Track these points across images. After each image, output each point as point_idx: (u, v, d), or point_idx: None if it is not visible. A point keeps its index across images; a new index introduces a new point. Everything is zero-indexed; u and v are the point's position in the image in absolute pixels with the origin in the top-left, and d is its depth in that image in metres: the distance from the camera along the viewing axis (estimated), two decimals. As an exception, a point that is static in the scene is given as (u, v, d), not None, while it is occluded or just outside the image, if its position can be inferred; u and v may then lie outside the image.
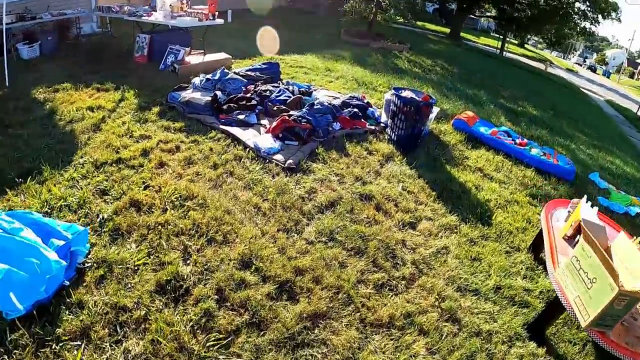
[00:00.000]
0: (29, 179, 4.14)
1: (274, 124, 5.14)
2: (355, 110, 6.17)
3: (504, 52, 28.43)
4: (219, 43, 9.51)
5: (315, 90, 6.92)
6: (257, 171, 4.60)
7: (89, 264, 3.30)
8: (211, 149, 4.89)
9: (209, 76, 5.84)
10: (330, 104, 5.98)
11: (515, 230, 4.53)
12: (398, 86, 6.54)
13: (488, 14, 28.91)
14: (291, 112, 5.36)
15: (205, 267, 3.40)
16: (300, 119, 5.20)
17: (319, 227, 3.98)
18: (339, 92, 7.30)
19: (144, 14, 7.84)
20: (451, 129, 6.92)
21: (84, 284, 3.15)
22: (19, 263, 3.01)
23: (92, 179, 4.24)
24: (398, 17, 16.97)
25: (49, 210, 3.81)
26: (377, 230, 4.06)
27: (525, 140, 6.87)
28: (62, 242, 3.27)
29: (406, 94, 5.84)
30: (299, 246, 3.73)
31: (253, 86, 6.17)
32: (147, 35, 7.82)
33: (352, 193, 4.56)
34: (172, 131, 5.20)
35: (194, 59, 7.57)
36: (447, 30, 27.40)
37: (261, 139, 4.97)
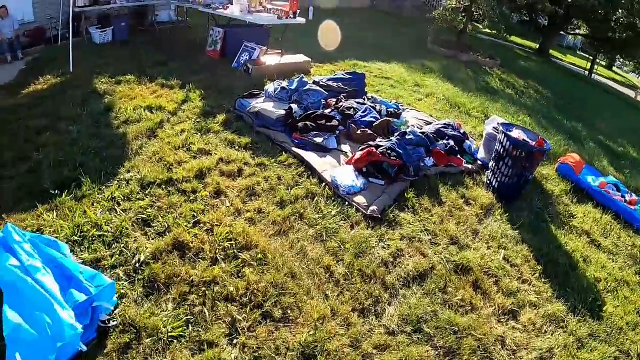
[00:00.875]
0: (65, 192, 3.48)
1: (358, 155, 4.14)
2: (452, 143, 5.02)
3: (593, 74, 25.51)
4: (298, 43, 8.68)
5: (404, 110, 5.83)
6: (333, 217, 3.62)
7: (115, 323, 2.58)
8: (279, 178, 3.97)
9: (284, 84, 4.95)
10: (423, 132, 4.87)
11: (626, 326, 3.37)
12: (507, 122, 5.28)
13: (579, 31, 26.04)
14: (379, 142, 4.33)
15: (255, 354, 2.48)
16: (389, 152, 4.16)
17: (403, 310, 2.96)
18: (430, 115, 6.14)
19: (220, 7, 7.15)
20: (555, 173, 5.58)
21: (105, 353, 2.42)
22: (29, 315, 2.37)
23: (136, 202, 3.48)
24: (491, 30, 15.34)
25: (79, 239, 3.11)
26: (474, 321, 3.00)
27: (635, 198, 5.43)
28: (83, 297, 2.55)
29: (517, 134, 4.60)
30: (378, 337, 2.76)
31: (335, 100, 5.20)
32: (222, 29, 7.12)
33: (447, 262, 3.46)
34: (237, 148, 4.36)
35: (270, 59, 6.75)
36: (534, 44, 24.94)
37: (341, 172, 3.99)
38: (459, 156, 5.04)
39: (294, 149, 4.29)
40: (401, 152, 4.32)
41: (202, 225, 3.34)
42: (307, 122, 4.44)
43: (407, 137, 4.63)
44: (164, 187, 3.69)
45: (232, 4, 7.21)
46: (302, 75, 5.19)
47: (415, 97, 7.08)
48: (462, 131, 5.58)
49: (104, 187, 3.65)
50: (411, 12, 17.15)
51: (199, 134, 4.51)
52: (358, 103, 5.20)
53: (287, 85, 4.92)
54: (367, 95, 6.01)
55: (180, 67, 6.57)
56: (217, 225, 3.34)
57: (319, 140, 4.30)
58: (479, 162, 5.15)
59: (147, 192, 3.62)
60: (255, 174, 3.98)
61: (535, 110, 9.83)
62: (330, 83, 5.60)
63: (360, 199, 3.81)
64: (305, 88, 4.92)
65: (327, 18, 12.95)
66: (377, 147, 4.25)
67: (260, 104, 4.76)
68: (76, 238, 3.12)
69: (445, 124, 5.51)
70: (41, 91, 5.83)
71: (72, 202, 3.46)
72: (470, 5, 13.16)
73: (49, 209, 3.41)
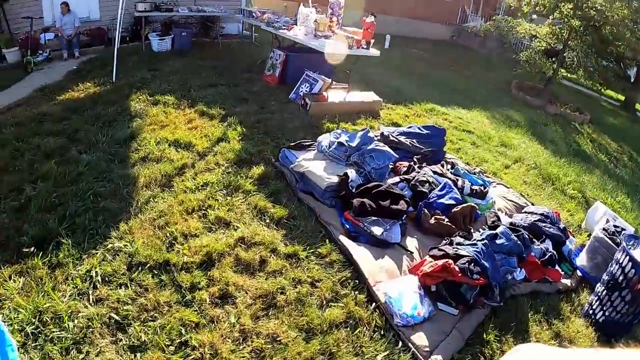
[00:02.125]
0: (41, 253, 2.61)
1: (429, 266, 2.86)
2: (550, 248, 3.61)
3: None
4: (368, 74, 7.53)
5: (490, 183, 4.46)
6: (380, 365, 2.36)
7: None
8: (314, 284, 2.78)
9: (343, 138, 3.77)
10: (516, 230, 3.50)
11: None
12: (632, 233, 3.76)
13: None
14: (458, 248, 3.01)
15: None
16: (472, 267, 2.85)
17: None
18: (521, 195, 4.69)
19: (284, 26, 6.15)
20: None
21: None
22: None
23: (115, 291, 2.49)
24: (585, 81, 13.31)
25: (34, 332, 2.22)
26: None
27: None
28: None
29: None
30: None
31: (406, 165, 3.95)
32: (283, 52, 6.10)
33: None
34: (267, 221, 3.22)
35: (334, 94, 5.63)
36: (619, 96, 21.87)
37: (400, 288, 2.74)
38: (557, 268, 3.61)
39: (341, 237, 3.08)
40: (487, 265, 2.98)
41: (188, 351, 2.22)
42: (366, 200, 3.22)
43: (498, 240, 3.27)
44: (156, 272, 2.62)
45: (296, 24, 6.22)
46: (367, 129, 3.98)
47: (502, 162, 5.63)
48: (561, 225, 4.11)
49: (84, 256, 2.68)
50: (493, 51, 15.49)
51: (224, 191, 3.43)
52: (435, 173, 3.90)
53: (347, 141, 3.74)
54: (445, 158, 4.69)
55: (230, 92, 5.62)
56: (210, 356, 2.21)
57: (377, 231, 3.06)
58: (579, 273, 3.69)
59: (133, 275, 2.57)
60: (283, 270, 2.81)
61: (633, 186, 7.93)
62: (402, 139, 4.36)
63: (420, 338, 2.52)
64: (369, 147, 3.72)
65: (404, 48, 11.74)
66: (457, 257, 2.95)
67: (308, 162, 3.61)
68: (31, 329, 2.19)
69: (542, 214, 4.05)
70: (75, 100, 5.10)
71: (44, 270, 2.54)
72: (562, 50, 11.36)
73: (17, 271, 2.53)
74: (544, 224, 3.90)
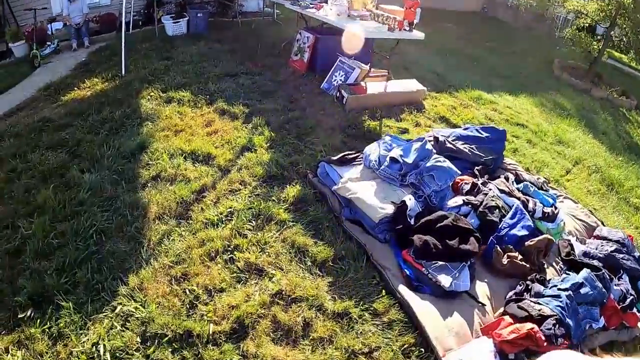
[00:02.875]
0: (39, 315, 2.10)
1: (509, 331, 2.20)
2: (629, 288, 2.93)
3: None
4: (404, 55, 6.65)
5: (557, 198, 3.70)
6: None
7: None
8: (370, 354, 2.14)
9: (396, 153, 3.00)
10: (598, 272, 2.81)
11: None
12: None
13: None
14: (542, 309, 2.34)
15: None
16: (557, 330, 2.19)
17: None
18: (589, 210, 3.89)
19: (311, 4, 5.29)
20: None
21: None
22: None
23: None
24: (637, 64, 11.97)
25: None
26: None
27: None
28: None
29: None
30: None
31: (469, 182, 3.20)
32: (311, 34, 5.27)
33: None
34: (308, 264, 2.57)
35: (373, 85, 4.82)
36: None
37: (471, 354, 2.09)
38: (635, 311, 2.92)
39: (400, 288, 2.40)
40: (571, 324, 2.33)
41: None
42: (429, 239, 2.53)
43: (582, 290, 2.58)
44: (176, 346, 2.03)
45: (326, 2, 5.36)
46: (425, 139, 3.17)
47: (562, 164, 4.80)
48: (636, 254, 3.37)
49: (89, 323, 2.10)
50: (528, 23, 14.15)
51: (254, 223, 2.78)
52: (502, 192, 3.16)
53: (401, 156, 3.00)
54: (505, 164, 3.92)
55: (253, 83, 4.86)
56: None
57: (445, 281, 2.37)
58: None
59: (149, 352, 1.99)
60: (332, 337, 2.17)
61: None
62: (460, 146, 3.58)
63: None
64: (428, 164, 2.97)
65: (435, 23, 10.66)
66: (540, 318, 2.27)
67: (355, 185, 2.90)
68: None
69: (618, 242, 3.32)
70: (80, 100, 4.46)
71: (44, 343, 2.02)
72: (610, 28, 10.06)
73: (15, 340, 2.06)
74: (621, 256, 3.20)
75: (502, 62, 8.94)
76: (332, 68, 4.89)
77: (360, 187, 2.86)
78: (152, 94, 4.43)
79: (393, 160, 3.00)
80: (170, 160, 3.28)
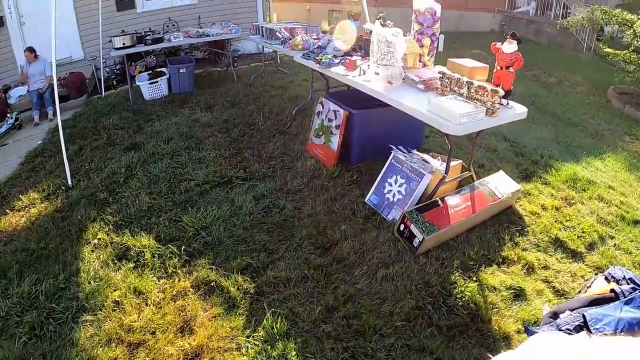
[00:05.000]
0: None
1: None
2: None
3: None
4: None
5: None
6: None
7: None
8: None
9: None
10: None
11: None
12: None
13: None
14: None
15: None
16: None
17: None
18: None
19: (337, 59, 3.42)
20: None
21: None
22: None
23: None
24: None
25: None
26: None
27: None
28: None
29: None
30: None
31: None
32: (341, 107, 3.37)
33: None
34: None
35: (453, 201, 2.86)
36: None
37: None
38: None
39: None
40: None
41: None
42: None
43: None
44: None
45: (361, 53, 3.52)
46: None
47: None
48: None
49: None
50: (552, 38, 12.36)
51: None
52: None
53: None
54: None
55: (257, 200, 2.91)
56: None
57: None
58: None
59: None
60: None
61: None
62: None
63: None
64: None
65: (462, 50, 8.82)
66: None
67: None
68: None
69: None
70: (4, 243, 2.66)
71: None
72: None
73: None
74: None
75: (556, 98, 7.07)
76: (383, 170, 2.99)
77: None
78: (100, 235, 2.59)
79: None
80: None
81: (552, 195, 3.49)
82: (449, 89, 2.76)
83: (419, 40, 3.17)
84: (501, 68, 2.70)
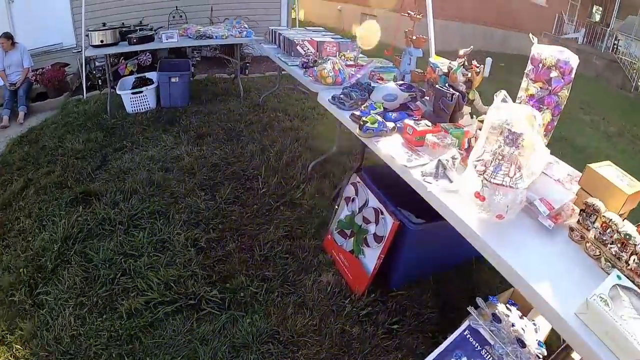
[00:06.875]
0: None
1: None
2: None
3: None
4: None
5: None
6: None
7: None
8: None
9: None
10: None
11: None
12: None
13: None
14: None
15: None
16: None
17: None
18: None
19: (385, 120, 2.04)
20: None
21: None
22: None
23: None
24: None
25: None
26: None
27: None
28: None
29: None
30: None
31: None
32: (389, 212, 2.00)
33: None
34: None
35: None
36: None
37: None
38: None
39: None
40: None
41: None
42: None
43: None
44: None
45: (417, 102, 2.21)
46: None
47: None
48: None
49: None
50: (601, 72, 10.84)
51: None
52: None
53: None
54: None
55: (238, 357, 1.73)
56: None
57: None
58: None
59: None
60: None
61: None
62: None
63: None
64: None
65: (509, 75, 7.35)
66: None
67: None
68: None
69: None
70: None
71: None
72: None
73: None
74: None
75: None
76: (449, 340, 1.69)
77: None
78: None
79: None
80: None
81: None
82: (596, 240, 1.39)
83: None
84: None
